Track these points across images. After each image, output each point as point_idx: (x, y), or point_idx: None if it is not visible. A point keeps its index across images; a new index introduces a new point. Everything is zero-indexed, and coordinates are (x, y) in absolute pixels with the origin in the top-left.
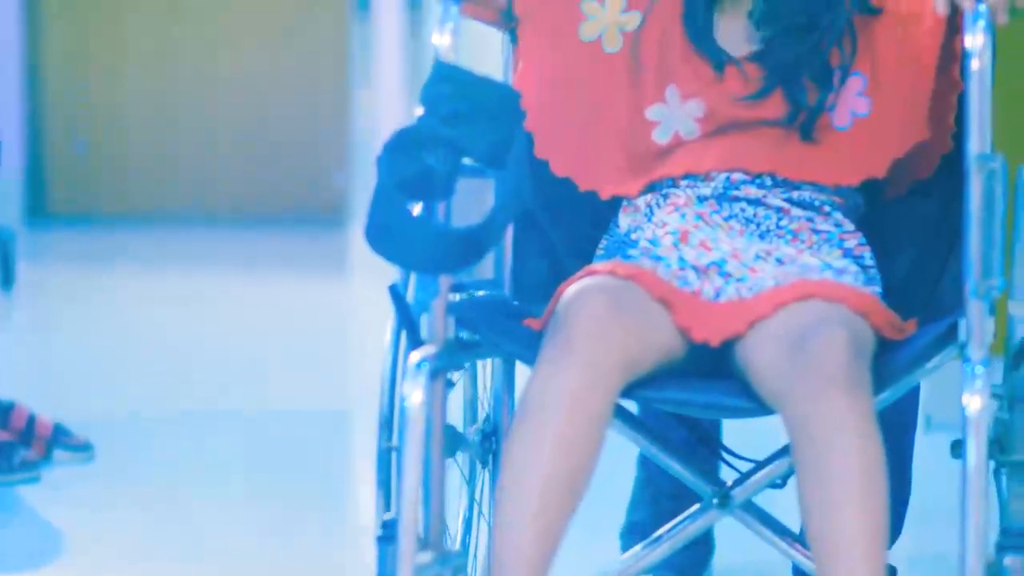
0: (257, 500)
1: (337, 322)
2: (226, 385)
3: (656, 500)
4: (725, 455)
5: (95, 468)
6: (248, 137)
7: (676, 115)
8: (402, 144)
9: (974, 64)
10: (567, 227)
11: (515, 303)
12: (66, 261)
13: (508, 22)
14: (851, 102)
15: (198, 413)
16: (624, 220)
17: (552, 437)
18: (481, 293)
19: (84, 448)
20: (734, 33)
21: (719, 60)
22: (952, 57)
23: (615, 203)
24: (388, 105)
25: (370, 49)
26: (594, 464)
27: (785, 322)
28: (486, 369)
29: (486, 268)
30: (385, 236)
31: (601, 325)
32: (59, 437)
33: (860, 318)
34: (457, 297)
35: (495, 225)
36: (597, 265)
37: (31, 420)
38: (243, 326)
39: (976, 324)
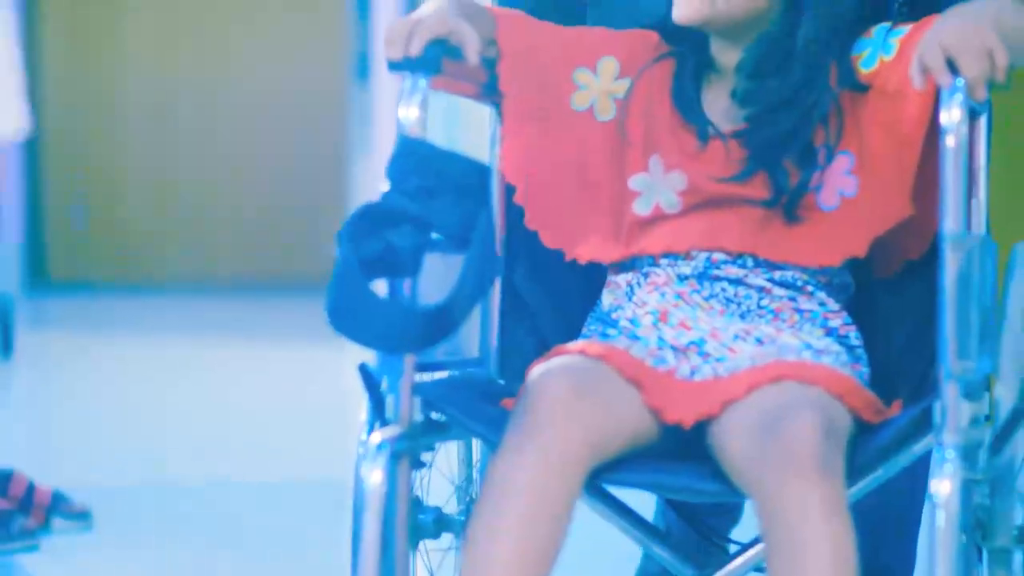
0: (255, 570)
1: (335, 391)
2: (225, 453)
3: None
4: (714, 538)
5: (94, 536)
6: (246, 205)
7: (658, 186)
8: (365, 220)
9: (949, 141)
10: (553, 304)
11: (500, 382)
12: (65, 328)
13: (490, 95)
14: (839, 181)
15: (197, 481)
16: (607, 298)
17: (513, 524)
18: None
19: (83, 516)
20: (720, 107)
21: (704, 132)
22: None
23: (602, 280)
24: None
25: (369, 116)
26: (558, 548)
27: (758, 405)
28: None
29: (472, 346)
30: (346, 315)
31: (565, 407)
32: (58, 505)
33: (836, 400)
34: (429, 377)
35: (461, 303)
36: (569, 344)
37: (30, 488)
38: (241, 394)
39: (951, 407)
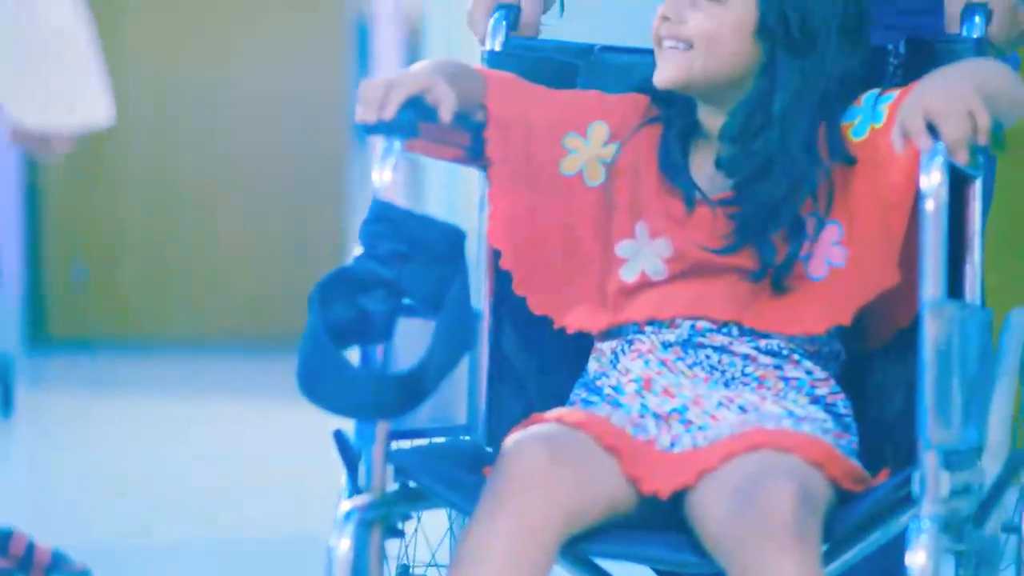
0: None
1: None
2: (226, 512)
3: None
4: None
5: None
6: (245, 265)
7: (644, 252)
8: (336, 285)
9: (928, 205)
10: (542, 370)
11: (488, 449)
12: (65, 387)
13: (476, 159)
14: (827, 251)
15: (197, 540)
16: (592, 365)
17: None
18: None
19: (83, 575)
20: (708, 173)
21: (691, 197)
22: None
23: (591, 346)
24: None
25: (369, 179)
26: None
27: (733, 474)
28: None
29: (460, 413)
30: (315, 382)
31: (538, 476)
32: (58, 564)
33: (813, 468)
34: (409, 444)
35: (434, 369)
36: (547, 412)
37: (30, 547)
38: (242, 453)
39: (930, 477)
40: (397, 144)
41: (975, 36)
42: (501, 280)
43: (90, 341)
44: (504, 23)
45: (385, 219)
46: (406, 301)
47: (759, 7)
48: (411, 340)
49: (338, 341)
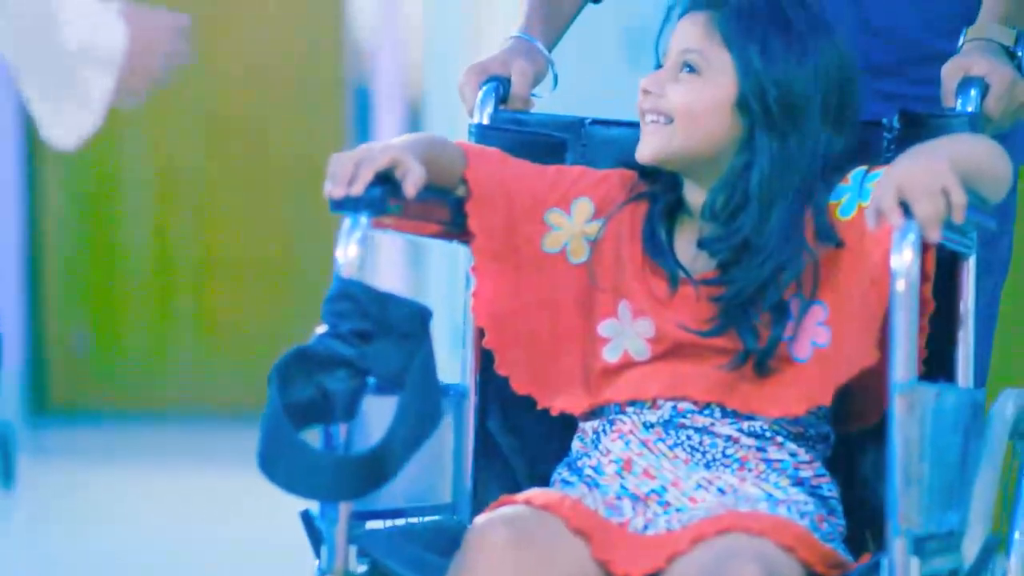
0: None
1: None
2: None
3: None
4: None
5: None
6: (246, 333)
7: (627, 332)
8: (296, 364)
9: (899, 285)
10: (527, 449)
11: None
12: (66, 457)
13: (457, 234)
14: (812, 332)
15: None
16: (576, 445)
17: None
18: None
19: None
20: (692, 251)
21: (674, 277)
22: (923, 278)
23: (575, 424)
24: None
25: (372, 255)
26: None
27: (700, 557)
28: None
29: (445, 492)
30: (274, 462)
31: (503, 558)
32: None
33: (783, 553)
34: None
35: (396, 447)
36: (517, 494)
37: None
38: (244, 526)
39: (899, 564)
40: (364, 220)
41: (969, 110)
42: (487, 357)
43: (92, 411)
44: (493, 96)
45: (348, 297)
46: (372, 380)
47: (738, 82)
48: (385, 420)
49: (299, 421)
